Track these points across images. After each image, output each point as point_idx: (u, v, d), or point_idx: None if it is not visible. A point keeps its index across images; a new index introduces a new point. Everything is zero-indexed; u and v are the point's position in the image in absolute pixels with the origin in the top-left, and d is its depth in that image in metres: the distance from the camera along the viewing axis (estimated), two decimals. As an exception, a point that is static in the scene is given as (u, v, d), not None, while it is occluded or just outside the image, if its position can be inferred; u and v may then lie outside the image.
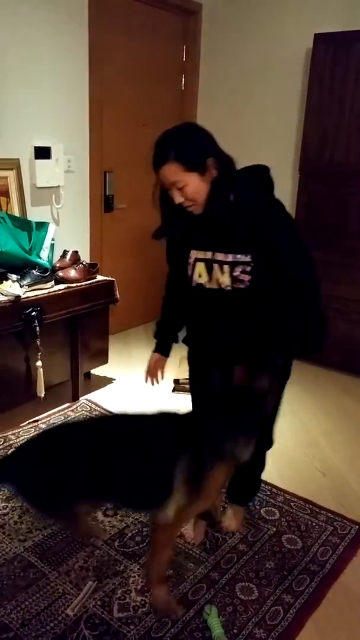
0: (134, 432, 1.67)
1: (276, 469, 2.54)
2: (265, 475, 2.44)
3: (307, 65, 3.53)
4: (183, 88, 4.18)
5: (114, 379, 3.38)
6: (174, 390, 3.25)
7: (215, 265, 1.69)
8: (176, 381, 3.26)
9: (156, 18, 3.81)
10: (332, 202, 3.45)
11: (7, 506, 2.18)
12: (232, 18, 3.92)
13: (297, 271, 1.68)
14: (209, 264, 1.70)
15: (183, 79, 4.16)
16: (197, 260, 1.72)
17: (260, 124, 3.90)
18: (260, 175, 1.71)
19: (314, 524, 2.17)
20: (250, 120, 3.95)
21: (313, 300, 1.70)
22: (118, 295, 3.13)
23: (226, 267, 1.67)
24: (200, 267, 1.72)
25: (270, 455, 2.61)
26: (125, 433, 1.68)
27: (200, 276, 1.73)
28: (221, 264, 1.67)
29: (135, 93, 3.79)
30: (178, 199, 1.62)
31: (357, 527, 2.17)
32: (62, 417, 2.89)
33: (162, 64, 3.96)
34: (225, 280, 1.68)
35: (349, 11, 3.40)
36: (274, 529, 2.13)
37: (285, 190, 3.55)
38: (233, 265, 1.66)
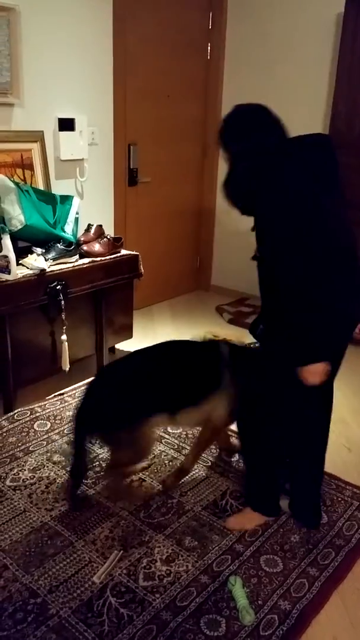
0: (188, 348, 2.16)
1: (301, 444, 2.52)
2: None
3: (338, 31, 3.39)
4: (209, 57, 4.08)
5: (139, 354, 3.38)
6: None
7: None
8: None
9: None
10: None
11: (34, 476, 2.21)
12: (260, -17, 3.79)
13: (276, 270, 1.60)
14: None
15: (209, 48, 4.06)
16: None
17: (288, 93, 3.78)
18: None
19: (339, 499, 2.15)
20: (278, 89, 3.83)
21: (290, 308, 1.59)
22: (142, 270, 3.11)
23: None
24: None
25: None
26: (180, 349, 2.15)
27: None
28: None
29: (160, 63, 3.71)
30: None
31: (384, 503, 2.14)
32: (87, 391, 2.90)
33: (188, 33, 3.86)
34: None
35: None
36: (299, 504, 2.12)
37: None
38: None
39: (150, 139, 3.74)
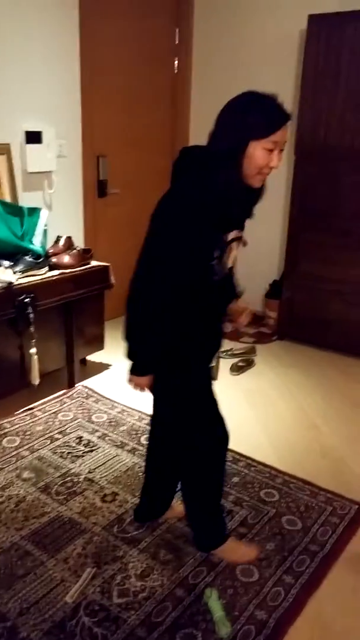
0: None
1: (275, 451, 2.52)
2: (264, 457, 2.44)
3: (301, 46, 3.46)
4: (176, 71, 4.11)
5: (111, 365, 3.35)
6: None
7: (235, 244, 1.60)
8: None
9: (148, 0, 3.73)
10: (327, 183, 3.40)
11: (2, 494, 2.16)
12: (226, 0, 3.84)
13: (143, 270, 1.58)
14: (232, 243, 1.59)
15: (176, 62, 4.09)
16: (232, 240, 1.59)
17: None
18: None
19: (313, 505, 2.16)
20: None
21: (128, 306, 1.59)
22: (113, 281, 3.09)
23: (235, 245, 1.60)
24: (233, 248, 1.60)
25: (269, 437, 2.61)
26: None
27: (229, 260, 1.60)
28: (237, 240, 1.60)
29: (128, 77, 3.72)
30: (277, 162, 1.46)
31: (357, 506, 2.15)
32: (58, 404, 2.86)
33: (155, 47, 3.88)
34: (232, 258, 1.62)
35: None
36: (274, 511, 2.12)
37: (280, 172, 3.50)
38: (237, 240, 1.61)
39: (120, 151, 3.74)
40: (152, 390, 1.72)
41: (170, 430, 1.84)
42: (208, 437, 1.77)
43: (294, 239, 3.58)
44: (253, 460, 2.41)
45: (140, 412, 2.80)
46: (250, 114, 1.42)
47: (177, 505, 2.05)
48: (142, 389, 1.69)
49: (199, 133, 4.12)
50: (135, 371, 1.66)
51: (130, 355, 1.64)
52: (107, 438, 2.56)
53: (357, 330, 3.47)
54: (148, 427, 2.63)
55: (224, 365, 3.32)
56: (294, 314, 3.71)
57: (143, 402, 2.89)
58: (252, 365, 3.40)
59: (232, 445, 2.49)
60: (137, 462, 2.38)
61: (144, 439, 2.55)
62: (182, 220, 1.46)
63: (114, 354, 3.45)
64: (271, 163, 1.44)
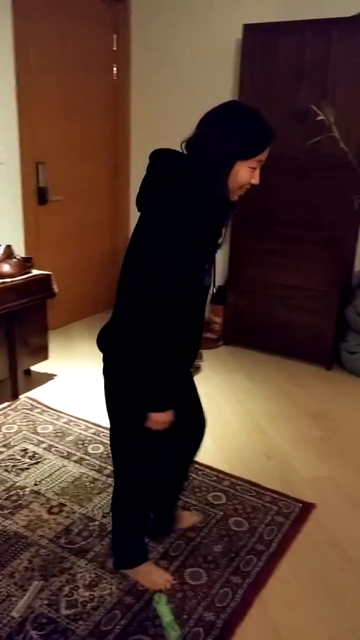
0: None
1: (222, 454, 2.56)
2: (211, 461, 2.47)
3: (238, 56, 3.55)
4: (115, 78, 4.12)
5: (56, 375, 3.30)
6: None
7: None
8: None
9: (83, 6, 3.73)
10: (266, 192, 3.48)
11: None
12: (162, 7, 3.89)
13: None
14: None
15: (115, 69, 4.11)
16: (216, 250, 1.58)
17: (195, 114, 3.88)
18: None
19: (259, 506, 2.20)
20: (185, 110, 3.93)
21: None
22: (56, 290, 3.06)
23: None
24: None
25: (216, 441, 2.64)
26: None
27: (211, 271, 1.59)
28: None
29: (66, 83, 3.70)
30: (258, 178, 1.47)
31: (301, 505, 2.21)
32: (2, 417, 2.79)
33: (92, 54, 3.89)
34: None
35: (277, 2, 3.45)
36: (221, 513, 2.15)
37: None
38: None
39: (60, 158, 3.71)
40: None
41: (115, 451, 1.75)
42: (147, 470, 1.70)
43: (236, 245, 3.65)
44: (201, 464, 2.44)
45: (86, 421, 2.78)
46: (239, 134, 1.41)
47: (188, 516, 2.06)
48: (166, 425, 1.55)
49: (141, 139, 4.16)
50: (159, 408, 1.51)
51: (157, 394, 1.50)
52: (53, 449, 2.53)
53: (300, 334, 3.57)
54: (95, 437, 2.63)
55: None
56: (239, 319, 3.78)
57: (89, 411, 2.87)
58: (199, 371, 3.43)
59: (179, 450, 2.54)
60: (85, 472, 2.36)
61: (91, 449, 2.53)
62: (181, 237, 1.41)
63: (58, 363, 3.41)
64: (253, 180, 1.47)
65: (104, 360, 1.63)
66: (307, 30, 3.14)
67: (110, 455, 1.84)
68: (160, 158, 1.52)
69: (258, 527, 2.08)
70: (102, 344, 1.63)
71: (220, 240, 1.57)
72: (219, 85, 3.77)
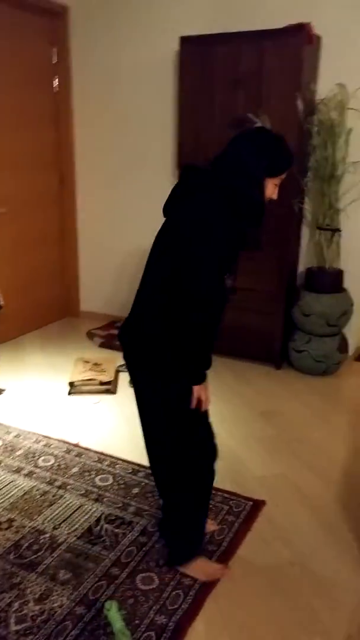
0: None
1: (174, 459, 2.58)
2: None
3: (177, 66, 3.61)
4: (57, 89, 4.12)
5: (4, 389, 3.25)
6: (70, 393, 3.20)
7: None
8: (71, 384, 3.21)
9: (21, 21, 3.72)
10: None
11: None
12: (101, 20, 3.92)
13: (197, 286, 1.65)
14: None
15: (56, 82, 4.10)
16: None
17: (137, 123, 3.94)
18: None
19: (210, 507, 2.22)
20: (127, 119, 3.97)
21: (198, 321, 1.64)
22: (2, 302, 3.03)
23: None
24: None
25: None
26: None
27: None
28: None
29: (7, 96, 3.68)
30: (277, 195, 1.73)
31: (251, 503, 2.26)
32: None
33: (32, 67, 3.87)
34: None
35: (212, 15, 3.53)
36: (173, 517, 2.16)
37: (168, 190, 3.62)
38: None
39: (2, 170, 3.67)
40: (150, 405, 1.79)
41: (168, 445, 1.82)
42: (202, 448, 1.81)
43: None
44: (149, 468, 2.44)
45: (37, 434, 2.75)
46: (270, 155, 1.65)
47: (210, 524, 2.08)
48: (206, 398, 1.74)
49: (85, 148, 4.16)
50: (203, 380, 1.70)
51: (206, 364, 1.70)
52: (2, 464, 2.49)
53: (249, 335, 3.64)
54: (46, 449, 2.60)
55: (123, 379, 3.35)
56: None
57: (39, 424, 2.84)
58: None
59: (129, 456, 2.55)
60: (35, 485, 2.34)
61: (41, 461, 2.50)
62: (226, 232, 1.61)
63: (7, 377, 3.37)
64: (274, 195, 1.72)
65: (139, 352, 1.74)
66: (241, 42, 3.23)
67: (150, 458, 1.94)
68: (193, 171, 1.73)
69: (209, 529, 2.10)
70: (135, 337, 1.74)
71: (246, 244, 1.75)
72: (159, 95, 3.83)
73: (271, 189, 1.70)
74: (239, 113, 3.25)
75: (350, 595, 1.83)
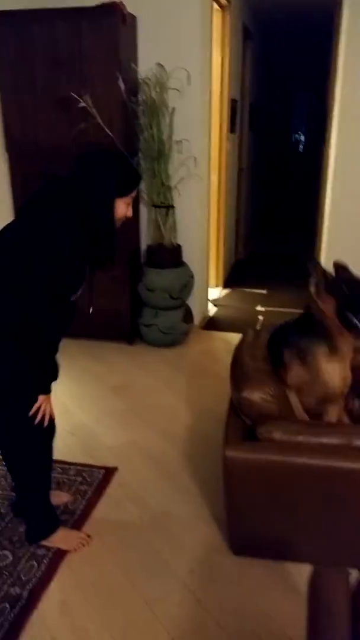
0: None
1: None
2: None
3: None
4: None
5: None
6: None
7: None
8: None
9: None
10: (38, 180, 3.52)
11: None
12: None
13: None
14: None
15: None
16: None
17: None
18: None
19: (64, 480, 2.30)
20: None
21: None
22: None
23: None
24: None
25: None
26: None
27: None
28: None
29: None
30: (131, 212, 1.80)
31: (103, 471, 2.37)
32: None
33: None
34: None
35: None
36: (27, 496, 2.20)
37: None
38: None
39: None
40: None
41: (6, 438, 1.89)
42: (38, 433, 1.87)
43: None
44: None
45: None
46: (117, 178, 1.72)
47: (59, 495, 2.17)
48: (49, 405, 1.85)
49: None
50: (49, 391, 1.84)
51: (47, 377, 1.84)
52: None
53: (100, 315, 3.61)
54: None
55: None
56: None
57: None
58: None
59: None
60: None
61: None
62: (73, 250, 1.68)
63: None
64: (128, 213, 1.79)
65: None
66: (57, 20, 3.22)
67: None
68: (57, 180, 1.77)
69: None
70: None
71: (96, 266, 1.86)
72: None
73: (123, 208, 1.77)
74: (63, 93, 3.26)
75: (190, 535, 2.03)
